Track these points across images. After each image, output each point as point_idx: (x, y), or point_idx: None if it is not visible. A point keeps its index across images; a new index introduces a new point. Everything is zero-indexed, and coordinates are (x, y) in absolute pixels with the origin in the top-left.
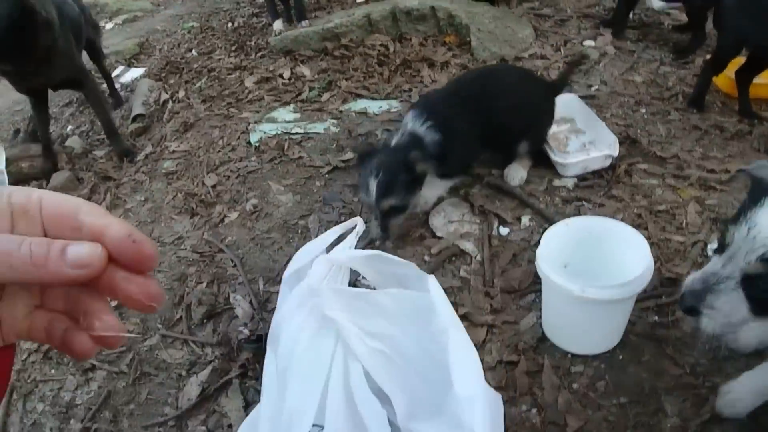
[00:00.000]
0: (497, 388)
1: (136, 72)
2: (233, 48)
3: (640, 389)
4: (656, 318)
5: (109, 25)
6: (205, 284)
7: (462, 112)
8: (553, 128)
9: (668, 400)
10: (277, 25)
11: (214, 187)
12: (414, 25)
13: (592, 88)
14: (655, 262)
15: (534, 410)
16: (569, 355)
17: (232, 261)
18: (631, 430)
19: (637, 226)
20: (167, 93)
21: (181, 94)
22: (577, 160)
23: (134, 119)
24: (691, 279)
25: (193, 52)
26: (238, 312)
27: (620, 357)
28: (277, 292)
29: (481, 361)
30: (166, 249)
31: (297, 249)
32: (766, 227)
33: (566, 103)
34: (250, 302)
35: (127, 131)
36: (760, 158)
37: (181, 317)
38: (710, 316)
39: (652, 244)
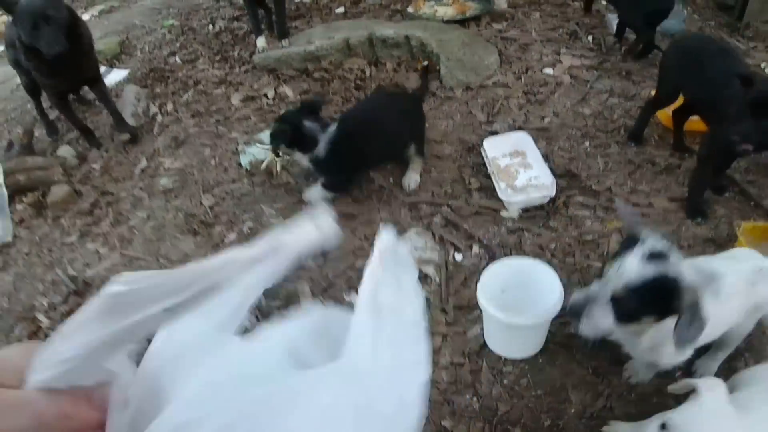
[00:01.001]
0: (449, 383)
1: (118, 74)
2: (217, 58)
3: (553, 384)
4: (570, 330)
5: (85, 16)
6: None
7: (350, 138)
8: (506, 161)
9: (574, 393)
10: (261, 42)
11: (211, 208)
12: (389, 50)
13: (545, 120)
14: (577, 285)
15: (475, 399)
16: (502, 359)
17: None
18: (545, 414)
19: (566, 254)
20: (155, 105)
21: (170, 107)
22: (519, 199)
23: (124, 131)
24: (576, 294)
25: (177, 58)
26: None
27: (540, 360)
28: (277, 308)
29: (436, 362)
30: (174, 267)
31: (304, 273)
32: (629, 268)
33: (520, 138)
34: (256, 317)
35: (116, 141)
36: (683, 191)
37: None
38: (587, 321)
39: (576, 270)
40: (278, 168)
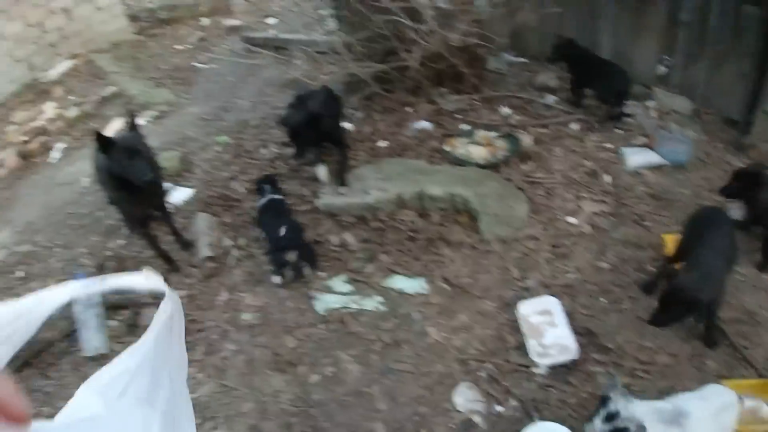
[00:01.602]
0: None
1: (183, 192)
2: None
3: None
4: None
5: (139, 121)
6: None
7: None
8: (536, 318)
9: None
10: (322, 172)
11: (294, 349)
12: (435, 203)
13: (569, 275)
14: None
15: None
16: None
17: (323, 417)
18: None
19: (583, 408)
20: (228, 237)
21: (242, 241)
22: (547, 362)
23: (203, 261)
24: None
25: (239, 185)
26: None
27: None
28: None
29: None
30: (268, 400)
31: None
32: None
33: (548, 301)
34: None
35: (196, 273)
36: (683, 348)
37: None
38: None
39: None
40: None
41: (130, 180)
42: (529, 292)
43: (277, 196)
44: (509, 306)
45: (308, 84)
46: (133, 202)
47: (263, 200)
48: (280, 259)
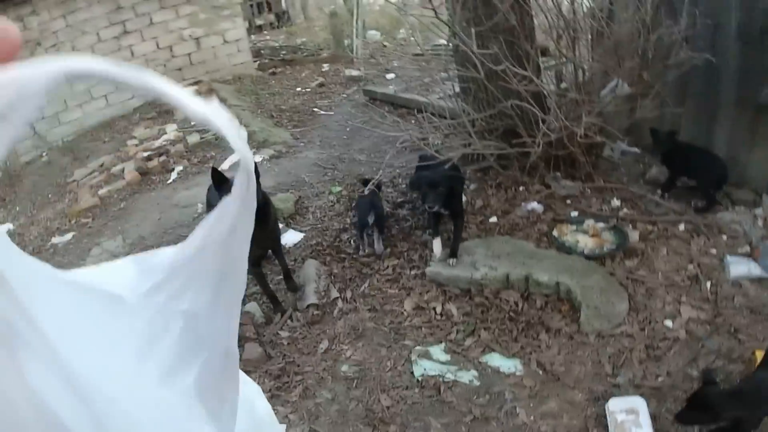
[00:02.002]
0: None
1: (295, 235)
2: (393, 254)
3: None
4: None
5: (257, 158)
6: None
7: None
8: (622, 416)
9: None
10: (437, 246)
11: (388, 408)
12: (540, 289)
13: (659, 379)
14: None
15: None
16: None
17: None
18: None
19: None
20: (335, 288)
21: (349, 294)
22: None
23: (307, 307)
24: None
25: (351, 241)
26: None
27: None
28: None
29: None
30: None
31: None
32: None
33: (636, 401)
34: None
35: (300, 317)
36: None
37: None
38: None
39: None
40: None
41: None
42: (619, 390)
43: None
44: (598, 400)
45: (428, 149)
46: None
47: (366, 190)
48: (362, 235)
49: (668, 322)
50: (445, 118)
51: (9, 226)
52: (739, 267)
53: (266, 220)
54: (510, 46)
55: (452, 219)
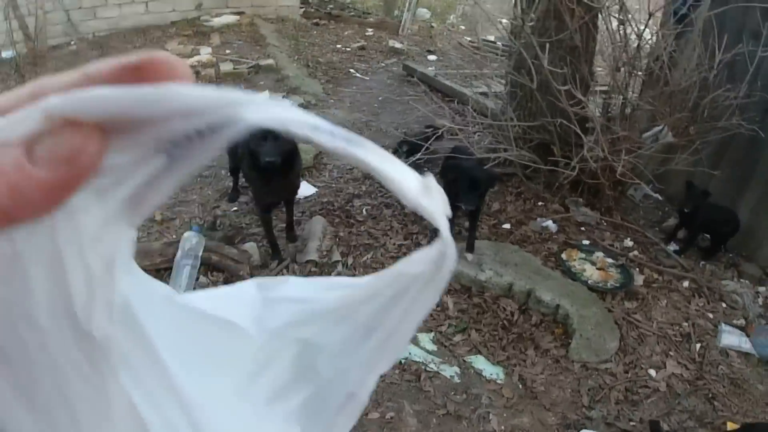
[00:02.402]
0: None
1: (307, 188)
2: (399, 227)
3: None
4: None
5: (287, 102)
6: None
7: None
8: None
9: None
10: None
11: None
12: (539, 306)
13: (631, 423)
14: None
15: None
16: None
17: None
18: None
19: None
20: (338, 251)
21: (350, 261)
22: None
23: (306, 262)
24: None
25: (362, 207)
26: None
27: None
28: None
29: None
30: None
31: None
32: None
33: None
34: None
35: (297, 270)
36: None
37: None
38: None
39: None
40: None
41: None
42: (591, 423)
43: None
44: (569, 428)
45: (464, 142)
46: (265, 184)
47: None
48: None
49: (652, 371)
50: (483, 114)
51: None
52: (731, 337)
53: (291, 171)
54: (568, 64)
55: (471, 213)
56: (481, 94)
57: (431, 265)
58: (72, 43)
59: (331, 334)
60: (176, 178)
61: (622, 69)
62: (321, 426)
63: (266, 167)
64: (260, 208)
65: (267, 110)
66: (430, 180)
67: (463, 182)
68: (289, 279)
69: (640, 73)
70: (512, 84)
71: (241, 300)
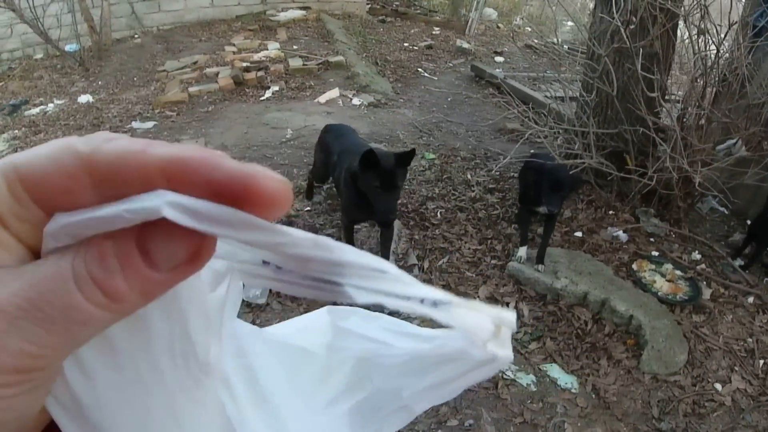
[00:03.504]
0: None
1: None
2: (473, 232)
3: None
4: None
5: (356, 100)
6: None
7: None
8: None
9: None
10: (523, 252)
11: None
12: (613, 316)
13: None
14: None
15: None
16: None
17: None
18: None
19: None
20: (414, 255)
21: (426, 265)
22: None
23: None
24: None
25: (437, 209)
26: None
27: None
28: None
29: None
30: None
31: None
32: None
33: None
34: None
35: None
36: None
37: None
38: None
39: None
40: None
41: (370, 204)
42: None
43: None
44: None
45: (547, 146)
46: (361, 211)
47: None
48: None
49: (718, 385)
50: (556, 119)
51: (89, 97)
52: None
53: (394, 187)
54: (646, 71)
55: (546, 221)
56: (555, 98)
57: (488, 356)
58: (136, 36)
59: (391, 369)
60: (281, 286)
61: (699, 79)
62: (369, 428)
63: (366, 204)
64: (347, 220)
65: (365, 282)
66: (506, 317)
67: (546, 183)
68: (357, 311)
69: (716, 85)
70: (587, 88)
71: (314, 328)
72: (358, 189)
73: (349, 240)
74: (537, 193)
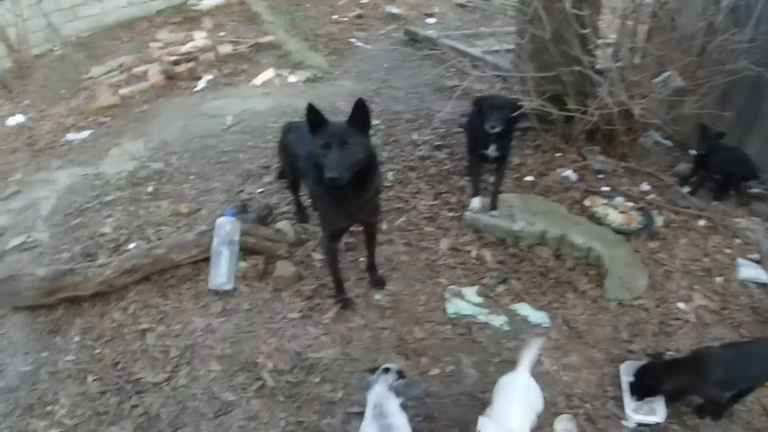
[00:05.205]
0: None
1: None
2: (427, 189)
3: None
4: None
5: (292, 78)
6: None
7: None
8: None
9: None
10: (476, 203)
11: (420, 340)
12: (571, 251)
13: (668, 352)
14: None
15: None
16: None
17: (437, 408)
18: None
19: None
20: None
21: (384, 226)
22: (636, 419)
23: None
24: None
25: (390, 175)
26: None
27: None
28: None
29: None
30: None
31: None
32: None
33: None
34: None
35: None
36: None
37: None
38: None
39: None
40: None
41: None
42: (632, 355)
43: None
44: (613, 362)
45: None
46: (334, 202)
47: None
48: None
49: (681, 305)
50: (493, 70)
51: (21, 117)
52: (749, 270)
53: (365, 186)
54: (575, 15)
55: (497, 163)
56: (491, 52)
57: None
58: (56, 48)
59: None
60: None
61: (630, 18)
62: None
63: (330, 183)
64: (327, 233)
65: None
66: None
67: (487, 107)
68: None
69: (647, 21)
70: (521, 35)
71: None
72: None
73: (335, 269)
74: (482, 132)
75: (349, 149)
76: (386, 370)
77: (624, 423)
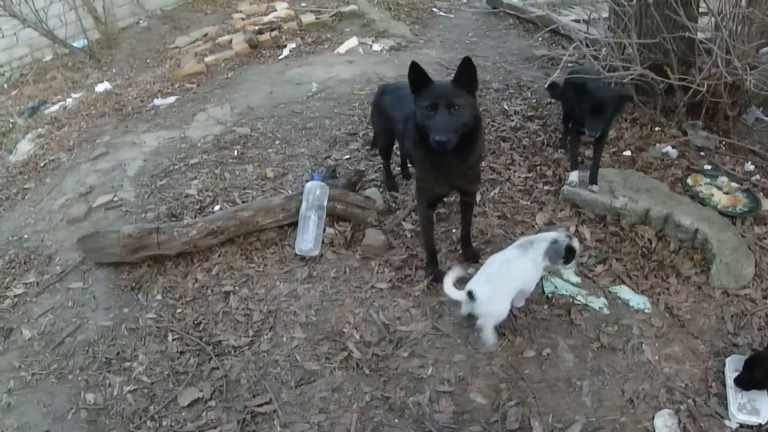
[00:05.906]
0: None
1: None
2: (521, 160)
3: None
4: None
5: (376, 46)
6: None
7: None
8: None
9: None
10: (574, 176)
11: (515, 318)
12: (677, 232)
13: None
14: None
15: None
16: None
17: (531, 392)
18: None
19: None
20: None
21: (478, 198)
22: (740, 419)
23: None
24: None
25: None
26: None
27: None
28: None
29: None
30: (480, 358)
31: (583, 409)
32: None
33: None
34: None
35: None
36: None
37: None
38: None
39: None
40: None
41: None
42: (737, 349)
43: None
44: (718, 355)
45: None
46: (435, 168)
47: None
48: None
49: None
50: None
51: (107, 85)
52: None
53: (469, 150)
54: None
55: (595, 141)
56: (582, 21)
57: None
58: (141, 20)
59: None
60: None
61: None
62: None
63: (438, 148)
64: (425, 200)
65: None
66: None
67: (587, 106)
68: None
69: None
70: (619, 3)
71: None
72: (429, 147)
73: (429, 239)
74: (581, 114)
75: (456, 111)
76: None
77: (726, 423)
